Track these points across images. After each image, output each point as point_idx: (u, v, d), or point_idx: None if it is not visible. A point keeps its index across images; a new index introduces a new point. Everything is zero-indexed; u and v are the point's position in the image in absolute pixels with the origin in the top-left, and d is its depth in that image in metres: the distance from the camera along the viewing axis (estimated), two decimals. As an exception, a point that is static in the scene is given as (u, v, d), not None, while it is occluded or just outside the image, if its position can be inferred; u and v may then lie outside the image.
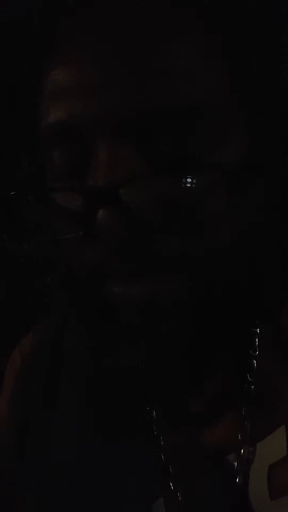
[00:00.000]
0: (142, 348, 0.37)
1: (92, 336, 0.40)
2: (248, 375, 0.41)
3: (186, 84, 0.34)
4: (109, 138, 0.35)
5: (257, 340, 0.41)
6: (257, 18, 0.37)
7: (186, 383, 0.40)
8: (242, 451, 0.40)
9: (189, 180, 0.34)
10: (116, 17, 0.35)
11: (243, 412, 0.40)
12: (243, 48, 0.36)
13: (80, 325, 0.43)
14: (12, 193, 0.37)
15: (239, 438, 0.40)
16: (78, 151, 0.36)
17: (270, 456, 0.39)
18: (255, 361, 0.41)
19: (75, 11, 0.36)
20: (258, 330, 0.41)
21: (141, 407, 0.42)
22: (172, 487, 0.40)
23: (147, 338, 0.37)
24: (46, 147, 0.38)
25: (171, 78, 0.34)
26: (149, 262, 0.35)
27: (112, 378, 0.40)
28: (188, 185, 0.34)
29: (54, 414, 0.44)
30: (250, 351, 0.41)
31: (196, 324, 0.37)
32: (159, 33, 0.35)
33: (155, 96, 0.34)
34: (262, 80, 0.37)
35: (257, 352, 0.41)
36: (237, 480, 0.39)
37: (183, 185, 0.34)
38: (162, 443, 0.42)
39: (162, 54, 0.34)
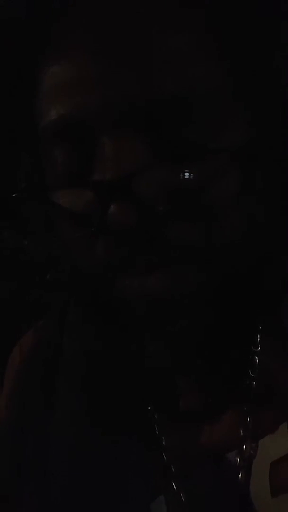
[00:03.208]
0: (155, 344, 0.37)
1: (99, 335, 0.40)
2: (250, 371, 0.41)
3: (185, 72, 0.34)
4: (113, 130, 0.34)
5: (258, 336, 0.41)
6: (253, 9, 0.36)
7: (192, 377, 0.39)
8: (244, 447, 0.40)
9: (196, 166, 0.34)
10: (113, 9, 0.35)
11: (245, 408, 0.40)
12: (240, 36, 0.36)
13: (84, 323, 0.43)
14: (14, 195, 0.37)
15: (241, 434, 0.40)
16: (81, 147, 0.36)
17: (272, 454, 0.39)
18: (257, 357, 0.41)
19: (71, 6, 0.36)
20: (259, 326, 0.41)
21: (142, 407, 0.42)
22: (174, 487, 0.40)
23: (160, 333, 0.37)
24: (48, 145, 0.37)
25: (171, 66, 0.34)
26: (163, 253, 0.35)
27: (113, 377, 0.40)
28: (196, 171, 0.34)
29: (53, 413, 0.44)
30: (252, 347, 0.41)
31: (209, 318, 0.36)
32: (157, 24, 0.35)
33: (155, 85, 0.34)
34: (260, 67, 0.36)
35: (259, 348, 0.41)
36: (239, 476, 0.39)
37: (191, 172, 0.34)
38: (164, 442, 0.41)
39: (161, 43, 0.34)
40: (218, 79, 0.35)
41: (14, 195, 0.38)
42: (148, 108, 0.34)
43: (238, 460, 0.40)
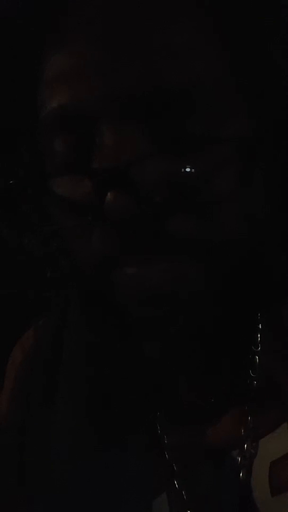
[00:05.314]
0: (154, 342, 0.37)
1: (98, 331, 0.40)
2: (250, 371, 0.41)
3: (187, 63, 0.34)
4: (113, 119, 0.34)
5: (259, 335, 0.41)
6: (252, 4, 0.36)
7: (193, 377, 0.40)
8: (245, 446, 0.40)
9: (196, 157, 0.34)
10: (115, 1, 0.35)
11: (246, 407, 0.41)
12: (241, 28, 0.36)
13: (84, 320, 0.43)
14: (11, 182, 0.37)
15: (242, 433, 0.40)
16: (81, 136, 0.36)
17: (272, 453, 0.39)
18: (257, 357, 0.41)
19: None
20: (260, 326, 0.41)
21: (144, 406, 0.42)
22: (176, 486, 0.40)
23: (159, 329, 0.37)
24: (48, 134, 0.37)
25: (172, 57, 0.34)
26: (160, 244, 0.35)
27: (114, 375, 0.40)
28: (196, 162, 0.34)
29: (55, 411, 0.44)
30: (252, 347, 0.41)
31: (208, 316, 0.37)
32: (158, 15, 0.35)
33: (157, 75, 0.34)
34: (260, 59, 0.36)
35: (259, 348, 0.41)
36: (240, 475, 0.40)
37: (190, 163, 0.34)
38: (165, 441, 0.42)
39: (162, 35, 0.34)
40: (219, 70, 0.35)
41: (11, 182, 0.37)
42: (149, 99, 0.34)
43: (239, 459, 0.40)
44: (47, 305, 0.47)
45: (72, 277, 0.42)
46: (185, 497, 0.40)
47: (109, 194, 0.33)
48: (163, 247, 0.35)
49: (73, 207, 0.37)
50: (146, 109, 0.34)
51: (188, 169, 0.34)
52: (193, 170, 0.34)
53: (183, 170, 0.34)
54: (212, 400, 0.41)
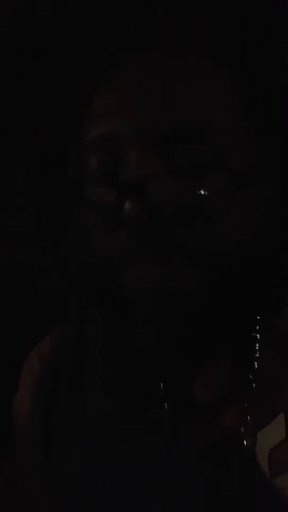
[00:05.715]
0: (153, 333, 0.43)
1: (109, 326, 0.45)
2: (250, 370, 0.45)
3: (201, 109, 0.44)
4: (139, 147, 0.44)
5: (258, 335, 0.46)
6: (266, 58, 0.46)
7: (190, 373, 0.44)
8: (245, 442, 0.44)
9: (203, 182, 0.43)
10: (150, 62, 0.45)
11: (245, 406, 0.44)
12: (251, 77, 0.45)
13: (99, 318, 0.47)
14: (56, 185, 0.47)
15: (242, 431, 0.44)
16: (112, 157, 0.45)
17: (270, 443, 0.43)
18: (256, 357, 0.45)
19: (121, 55, 0.46)
20: (260, 326, 0.46)
21: (155, 399, 0.46)
22: None
23: (158, 322, 0.43)
24: (88, 153, 0.46)
25: (189, 105, 0.44)
26: (165, 249, 0.42)
27: (130, 369, 0.44)
28: (202, 186, 0.43)
29: (78, 412, 0.46)
30: (252, 347, 0.46)
31: (204, 313, 0.43)
32: (181, 76, 0.45)
33: (174, 119, 0.43)
34: (269, 102, 0.46)
35: (258, 348, 0.46)
36: (241, 467, 0.43)
37: (197, 186, 0.43)
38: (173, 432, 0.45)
39: (183, 90, 0.44)
40: (230, 114, 0.45)
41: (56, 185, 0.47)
42: (167, 135, 0.43)
43: (240, 453, 0.44)
44: (64, 312, 0.50)
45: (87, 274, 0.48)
46: None
47: (127, 202, 0.42)
48: (166, 252, 0.43)
49: (100, 211, 0.45)
50: (164, 142, 0.43)
51: (194, 191, 0.43)
52: (199, 192, 0.43)
53: (190, 191, 0.43)
54: (215, 398, 0.45)
